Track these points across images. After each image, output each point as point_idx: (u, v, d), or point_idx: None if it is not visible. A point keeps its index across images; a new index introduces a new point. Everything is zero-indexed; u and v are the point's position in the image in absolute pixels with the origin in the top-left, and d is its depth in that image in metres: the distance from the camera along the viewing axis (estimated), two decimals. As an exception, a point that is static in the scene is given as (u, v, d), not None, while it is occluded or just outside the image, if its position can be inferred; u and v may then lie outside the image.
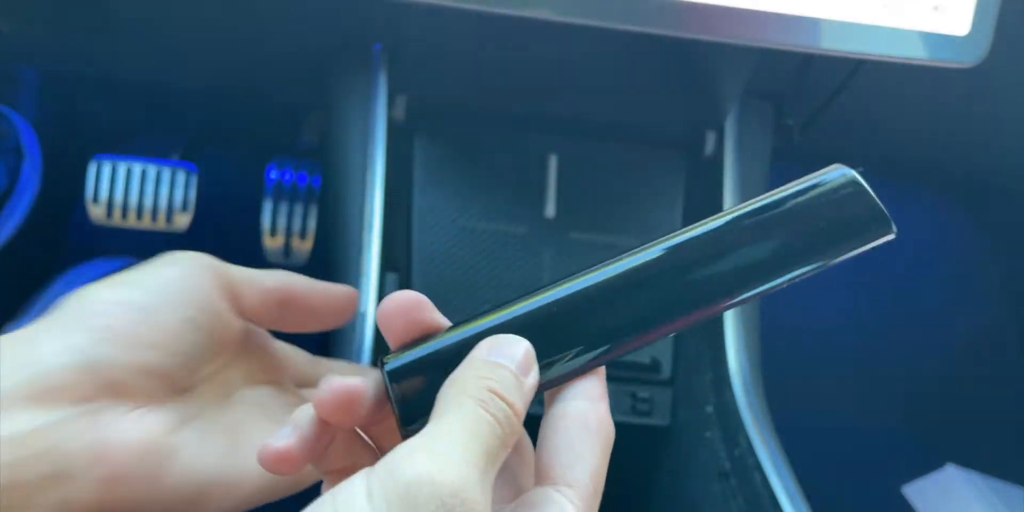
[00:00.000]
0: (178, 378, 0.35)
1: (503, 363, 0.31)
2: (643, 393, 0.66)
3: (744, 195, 0.69)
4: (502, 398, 0.30)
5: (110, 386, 0.33)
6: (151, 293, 0.35)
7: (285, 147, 1.03)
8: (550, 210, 0.67)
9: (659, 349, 0.67)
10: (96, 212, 0.92)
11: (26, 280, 0.99)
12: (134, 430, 0.33)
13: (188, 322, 0.35)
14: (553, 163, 0.68)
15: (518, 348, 0.31)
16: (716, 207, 0.68)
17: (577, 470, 0.31)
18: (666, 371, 0.67)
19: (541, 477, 0.31)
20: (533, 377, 0.31)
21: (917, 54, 0.55)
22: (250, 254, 0.95)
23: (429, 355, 0.33)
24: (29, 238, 0.95)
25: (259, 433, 0.37)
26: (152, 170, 0.92)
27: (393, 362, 0.32)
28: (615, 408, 0.63)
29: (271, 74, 0.78)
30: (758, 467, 0.60)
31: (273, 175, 0.96)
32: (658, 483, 0.69)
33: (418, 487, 0.25)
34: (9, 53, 0.83)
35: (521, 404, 0.30)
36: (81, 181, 0.90)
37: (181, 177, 0.93)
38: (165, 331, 0.34)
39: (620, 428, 0.63)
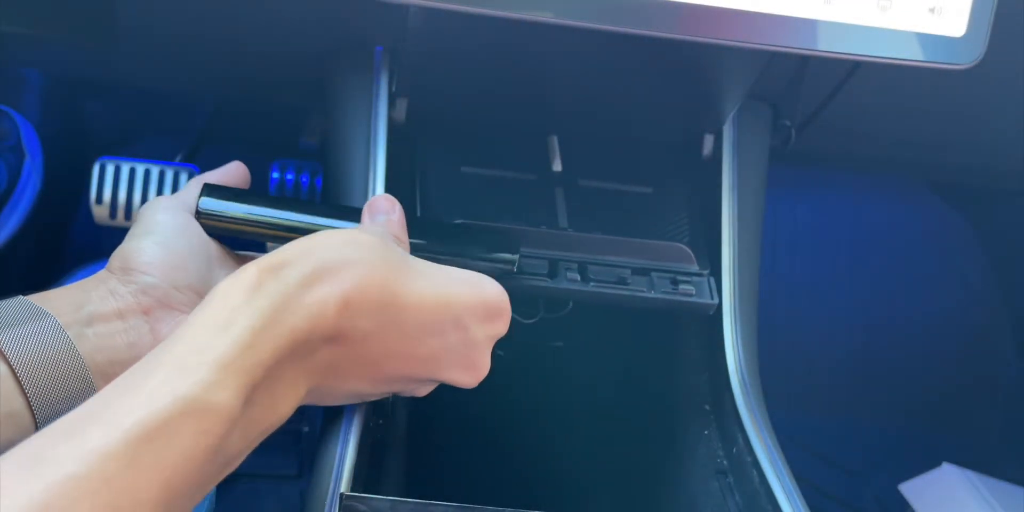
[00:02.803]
0: (199, 287, 0.49)
1: None
2: (683, 280, 0.65)
3: (742, 196, 0.70)
4: None
5: (161, 301, 0.48)
6: (156, 239, 0.49)
7: (287, 148, 1.04)
8: (553, 211, 0.67)
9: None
10: (99, 213, 0.92)
11: (27, 280, 0.99)
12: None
13: (194, 249, 0.50)
14: (555, 163, 0.68)
15: None
16: (716, 207, 0.69)
17: None
18: (706, 265, 0.67)
19: None
20: None
21: (913, 55, 0.55)
22: (251, 254, 0.95)
23: None
24: (30, 238, 0.95)
25: None
26: (155, 171, 0.93)
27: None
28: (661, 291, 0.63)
29: (273, 76, 0.79)
30: (756, 465, 0.60)
31: (275, 176, 0.96)
32: (657, 480, 0.69)
33: None
34: (13, 55, 0.83)
35: None
36: (85, 182, 0.91)
37: (184, 178, 0.93)
38: (181, 257, 0.49)
39: (671, 310, 0.63)
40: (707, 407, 0.66)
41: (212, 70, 0.82)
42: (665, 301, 0.64)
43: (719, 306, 0.65)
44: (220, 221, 0.54)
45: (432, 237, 0.57)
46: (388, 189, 0.64)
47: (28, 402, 0.41)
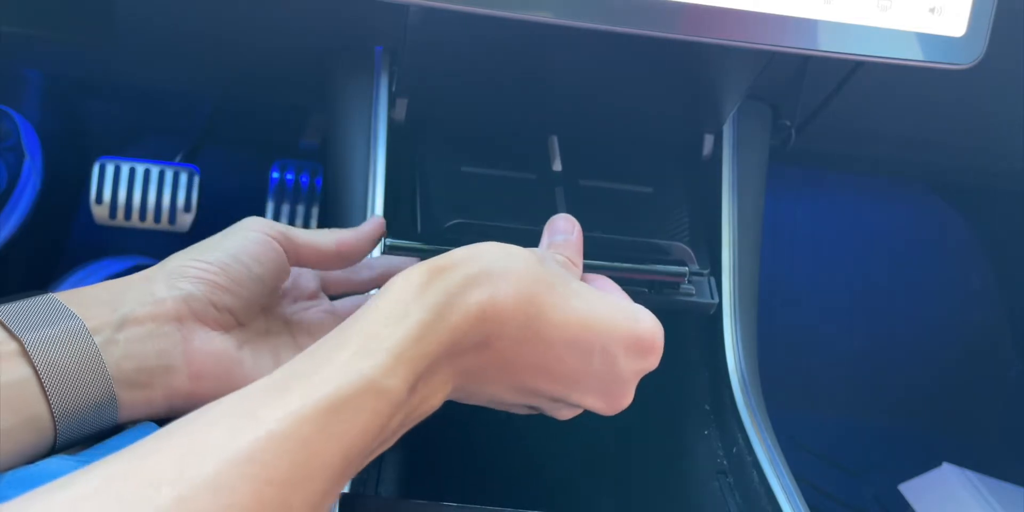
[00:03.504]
0: (240, 315, 0.49)
1: None
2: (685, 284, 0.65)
3: (742, 196, 0.70)
4: None
5: (197, 314, 0.47)
6: (228, 255, 0.48)
7: (287, 148, 1.04)
8: (553, 210, 0.67)
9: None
10: (99, 212, 0.92)
11: (27, 279, 0.99)
12: (213, 344, 0.47)
13: (254, 277, 0.49)
14: (555, 163, 0.68)
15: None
16: (716, 207, 0.69)
17: None
18: (706, 265, 0.67)
19: None
20: None
21: (913, 55, 0.55)
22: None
23: None
24: (30, 237, 0.95)
25: (291, 353, 0.50)
26: (155, 171, 0.93)
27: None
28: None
29: (273, 75, 0.79)
30: (756, 465, 0.60)
31: (275, 176, 0.96)
32: (657, 480, 0.69)
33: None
34: (13, 55, 0.83)
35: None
36: (85, 182, 0.91)
37: (184, 178, 0.93)
38: (237, 283, 0.48)
39: (671, 310, 0.63)
40: (707, 407, 0.66)
41: (212, 70, 0.82)
42: (665, 301, 0.64)
43: (719, 306, 0.65)
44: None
45: (602, 253, 0.60)
46: (388, 189, 0.64)
47: (50, 407, 0.42)
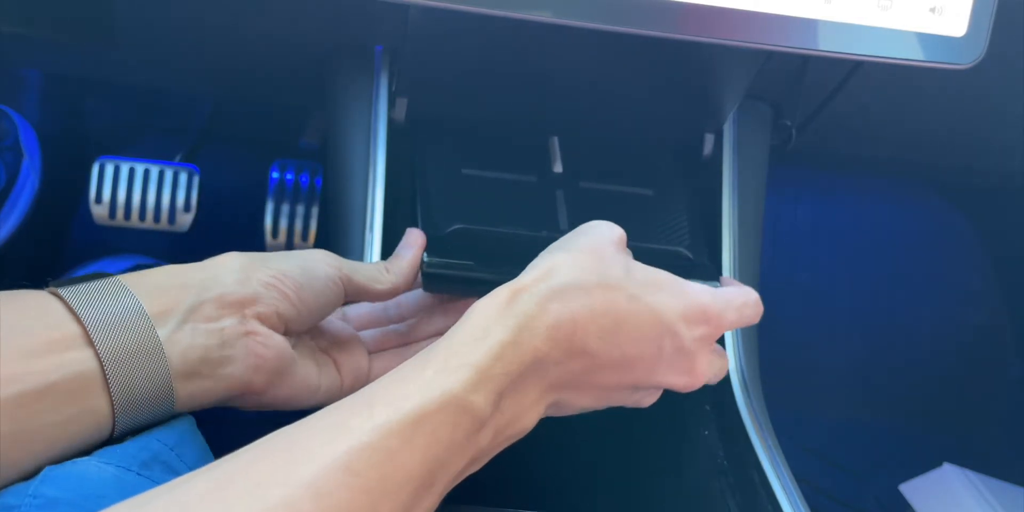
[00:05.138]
0: (291, 327, 0.50)
1: None
2: None
3: (743, 196, 0.69)
4: None
5: (260, 315, 0.48)
6: (302, 272, 0.50)
7: (287, 148, 1.04)
8: (554, 213, 0.67)
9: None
10: (99, 212, 0.92)
11: (26, 280, 0.99)
12: (273, 339, 0.48)
13: (318, 297, 0.51)
14: (556, 165, 0.68)
15: None
16: (716, 208, 0.69)
17: None
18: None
19: None
20: None
21: (914, 55, 0.55)
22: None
23: None
24: (29, 237, 0.95)
25: (325, 357, 0.54)
26: (155, 171, 0.93)
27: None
28: None
29: (273, 76, 0.79)
30: (756, 465, 0.60)
31: (275, 176, 0.96)
32: (657, 478, 0.69)
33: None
34: (12, 54, 0.83)
35: None
36: (84, 182, 0.91)
37: (184, 178, 0.93)
38: (301, 298, 0.49)
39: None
40: (707, 407, 0.66)
41: (212, 70, 0.82)
42: None
43: None
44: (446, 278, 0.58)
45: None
46: (388, 190, 0.64)
47: (111, 399, 0.42)
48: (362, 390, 0.41)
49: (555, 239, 0.58)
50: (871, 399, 1.16)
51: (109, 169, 0.92)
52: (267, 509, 0.35)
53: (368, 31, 0.68)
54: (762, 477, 0.59)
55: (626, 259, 0.50)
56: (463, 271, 0.58)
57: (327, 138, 0.74)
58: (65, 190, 1.02)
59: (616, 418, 0.72)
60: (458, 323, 0.45)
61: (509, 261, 0.52)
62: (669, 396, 0.70)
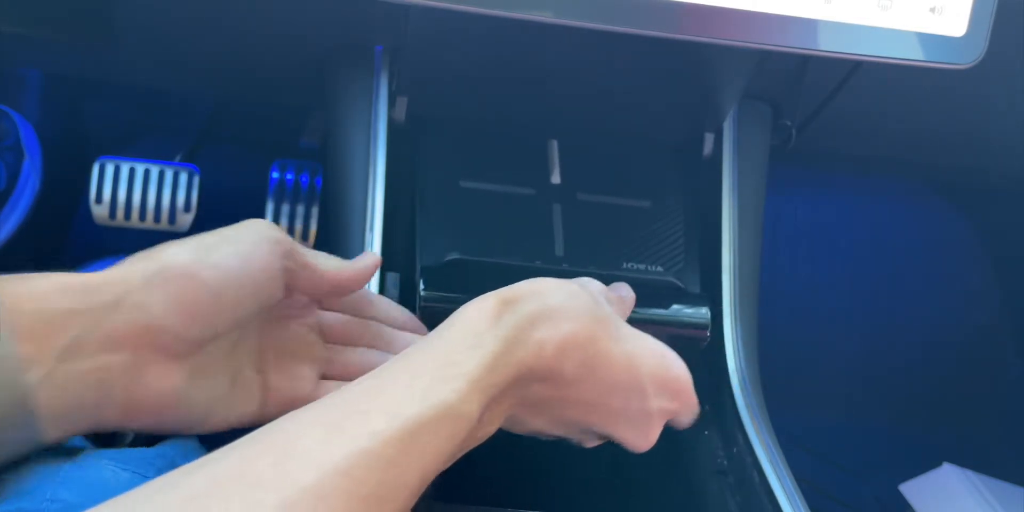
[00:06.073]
0: (206, 342, 0.44)
1: None
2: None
3: (743, 196, 0.69)
4: None
5: (157, 344, 0.42)
6: (223, 274, 0.43)
7: (287, 148, 1.04)
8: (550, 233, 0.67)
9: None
10: (99, 212, 0.92)
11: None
12: (161, 382, 0.43)
13: (241, 307, 0.45)
14: (554, 165, 0.68)
15: None
16: (716, 207, 0.69)
17: None
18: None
19: None
20: None
21: (914, 55, 0.55)
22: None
23: None
24: (30, 237, 0.95)
25: (253, 374, 0.48)
26: (155, 171, 0.93)
27: None
28: None
29: (273, 75, 0.79)
30: (756, 465, 0.60)
31: (275, 176, 0.96)
32: (657, 480, 0.69)
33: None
34: (13, 55, 0.83)
35: None
36: (84, 182, 0.91)
37: (184, 178, 0.93)
38: (218, 312, 0.44)
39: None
40: (707, 407, 0.66)
41: (212, 70, 0.82)
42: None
43: (719, 306, 0.65)
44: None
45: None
46: (388, 190, 0.64)
47: None
48: (351, 388, 0.40)
49: (550, 270, 0.60)
50: (871, 399, 1.16)
51: (109, 169, 0.92)
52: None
53: (368, 31, 0.68)
54: (762, 477, 0.59)
55: (618, 317, 0.50)
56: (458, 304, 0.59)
57: (327, 138, 0.74)
58: (65, 190, 1.02)
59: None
60: (444, 326, 0.44)
61: None
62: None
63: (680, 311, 0.64)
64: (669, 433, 0.69)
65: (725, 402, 0.64)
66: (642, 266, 0.66)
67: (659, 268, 0.66)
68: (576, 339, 0.45)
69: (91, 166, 0.92)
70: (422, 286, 0.59)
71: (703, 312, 0.64)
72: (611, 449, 0.72)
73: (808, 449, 1.05)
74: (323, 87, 0.72)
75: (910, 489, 1.01)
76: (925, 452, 1.06)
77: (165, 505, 0.33)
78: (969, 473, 0.99)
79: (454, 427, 0.39)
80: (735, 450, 0.62)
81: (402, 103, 0.67)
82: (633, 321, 0.62)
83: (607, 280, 0.63)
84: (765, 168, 0.73)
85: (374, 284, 0.61)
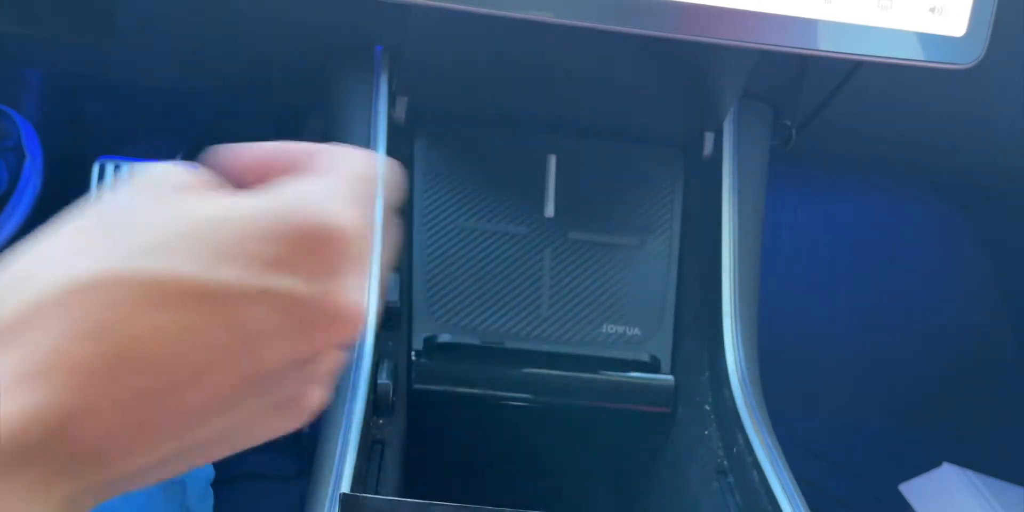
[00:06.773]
0: None
1: None
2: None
3: (743, 195, 0.70)
4: None
5: None
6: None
7: (287, 148, 1.03)
8: (549, 210, 0.67)
9: (659, 347, 0.68)
10: (99, 212, 0.92)
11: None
12: None
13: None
14: (552, 164, 0.68)
15: None
16: (715, 207, 0.69)
17: None
18: (666, 369, 0.68)
19: None
20: None
21: (914, 55, 0.55)
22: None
23: None
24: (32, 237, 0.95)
25: None
26: (155, 171, 0.93)
27: None
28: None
29: (273, 75, 0.79)
30: (756, 465, 0.60)
31: (275, 176, 0.96)
32: (658, 478, 0.69)
33: None
34: (13, 55, 0.83)
35: None
36: (85, 182, 0.91)
37: (184, 178, 0.93)
38: None
39: (623, 414, 0.65)
40: (707, 407, 0.66)
41: (212, 70, 0.82)
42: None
43: (719, 306, 0.65)
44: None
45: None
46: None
47: None
48: None
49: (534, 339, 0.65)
50: (871, 399, 1.16)
51: (109, 169, 0.92)
52: None
53: (368, 31, 0.68)
54: (762, 477, 0.59)
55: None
56: (450, 387, 0.64)
57: (327, 138, 0.74)
58: (66, 190, 1.02)
59: (617, 419, 0.73)
60: None
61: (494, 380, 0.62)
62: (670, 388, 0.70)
63: (643, 391, 0.68)
64: (669, 433, 0.69)
65: (725, 402, 0.64)
66: (620, 329, 0.67)
67: (636, 331, 0.67)
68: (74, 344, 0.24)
69: (91, 166, 0.92)
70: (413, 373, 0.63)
71: (668, 388, 0.68)
72: (611, 449, 0.72)
73: (808, 449, 1.05)
74: (323, 87, 0.72)
75: (910, 489, 1.01)
76: (925, 452, 1.06)
77: None
78: (969, 473, 0.99)
79: None
80: (735, 450, 0.62)
81: (402, 103, 0.67)
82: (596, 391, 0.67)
83: (584, 359, 0.67)
84: (765, 168, 0.73)
85: (373, 287, 0.61)
